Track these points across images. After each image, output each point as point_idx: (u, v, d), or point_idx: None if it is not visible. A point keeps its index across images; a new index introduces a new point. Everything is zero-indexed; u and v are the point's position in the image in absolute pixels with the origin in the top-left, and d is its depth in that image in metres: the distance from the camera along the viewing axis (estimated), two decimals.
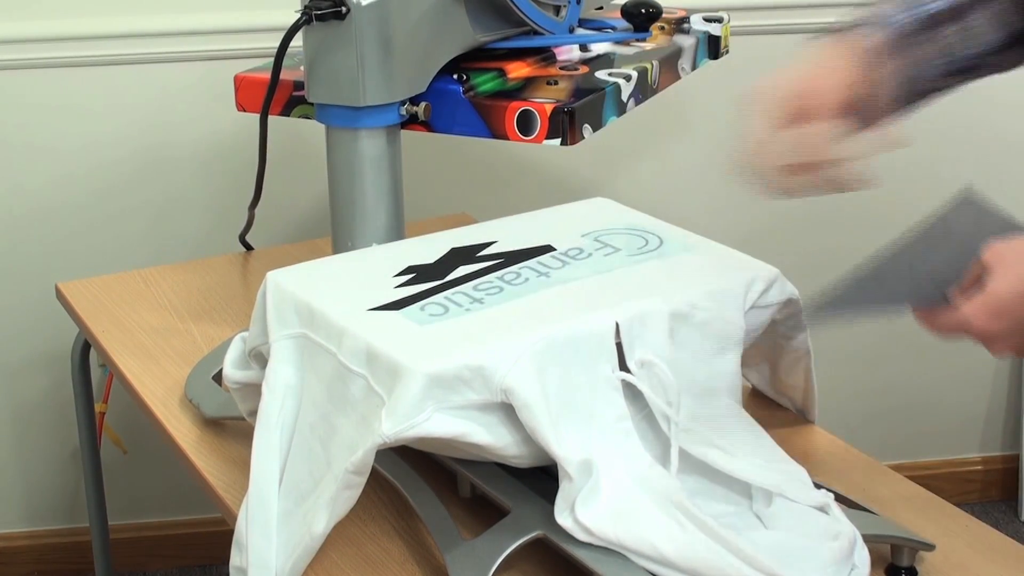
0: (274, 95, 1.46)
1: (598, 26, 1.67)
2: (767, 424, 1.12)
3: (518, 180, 2.17)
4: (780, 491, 1.04)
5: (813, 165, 1.04)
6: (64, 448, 2.19)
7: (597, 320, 1.05)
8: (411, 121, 1.43)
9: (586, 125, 1.40)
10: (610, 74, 1.49)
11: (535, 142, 1.39)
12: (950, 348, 2.30)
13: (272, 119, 1.49)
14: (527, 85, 1.46)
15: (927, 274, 1.03)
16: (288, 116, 1.51)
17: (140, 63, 2.02)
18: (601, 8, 1.72)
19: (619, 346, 1.05)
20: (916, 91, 1.13)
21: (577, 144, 1.40)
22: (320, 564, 1.07)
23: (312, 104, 1.43)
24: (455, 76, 1.44)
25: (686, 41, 1.66)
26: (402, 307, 1.08)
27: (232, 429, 1.29)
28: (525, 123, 1.39)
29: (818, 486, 1.07)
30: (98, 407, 1.78)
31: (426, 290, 1.11)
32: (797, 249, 2.26)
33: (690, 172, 2.22)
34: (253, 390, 1.15)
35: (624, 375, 1.05)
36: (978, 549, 1.11)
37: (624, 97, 1.48)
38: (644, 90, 1.53)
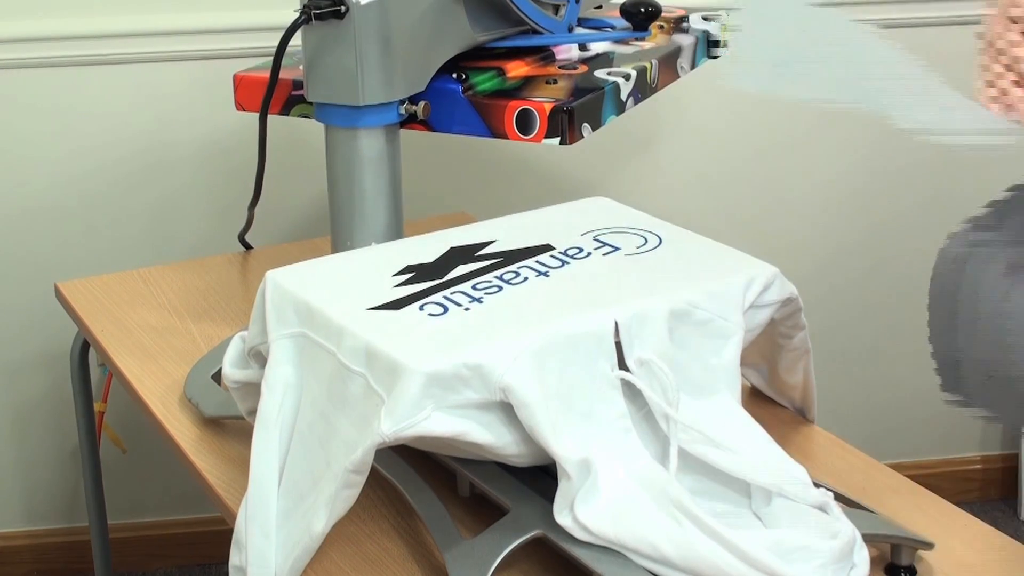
0: (273, 94, 1.46)
1: (597, 25, 1.67)
2: (767, 423, 1.12)
3: (517, 179, 2.17)
4: (779, 490, 1.04)
5: None
6: (63, 448, 2.19)
7: (596, 319, 1.05)
8: (410, 120, 1.43)
9: (585, 124, 1.40)
10: (609, 73, 1.49)
11: (534, 141, 1.39)
12: None
13: (271, 118, 1.49)
14: (526, 84, 1.46)
15: None
16: (287, 115, 1.51)
17: (139, 62, 2.02)
18: (600, 7, 1.72)
19: (618, 345, 1.05)
20: None
21: (576, 143, 1.40)
22: (319, 563, 1.07)
23: (311, 103, 1.42)
24: (454, 75, 1.44)
25: (685, 40, 1.66)
26: (401, 306, 1.08)
27: (231, 428, 1.29)
28: (524, 122, 1.39)
29: (817, 485, 1.07)
30: (97, 407, 1.78)
31: (425, 289, 1.11)
32: (797, 248, 2.26)
33: (690, 171, 2.22)
34: (252, 389, 1.15)
35: (623, 374, 1.05)
36: (977, 548, 1.11)
37: (623, 96, 1.48)
38: (643, 89, 1.53)
